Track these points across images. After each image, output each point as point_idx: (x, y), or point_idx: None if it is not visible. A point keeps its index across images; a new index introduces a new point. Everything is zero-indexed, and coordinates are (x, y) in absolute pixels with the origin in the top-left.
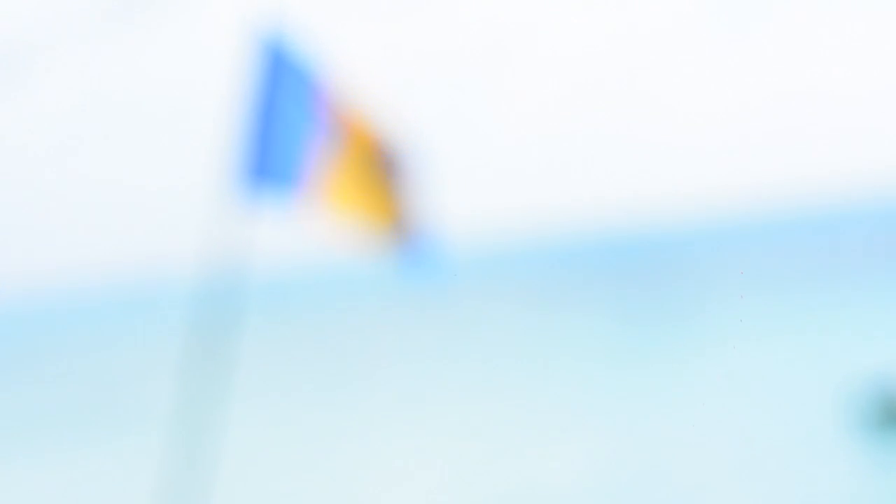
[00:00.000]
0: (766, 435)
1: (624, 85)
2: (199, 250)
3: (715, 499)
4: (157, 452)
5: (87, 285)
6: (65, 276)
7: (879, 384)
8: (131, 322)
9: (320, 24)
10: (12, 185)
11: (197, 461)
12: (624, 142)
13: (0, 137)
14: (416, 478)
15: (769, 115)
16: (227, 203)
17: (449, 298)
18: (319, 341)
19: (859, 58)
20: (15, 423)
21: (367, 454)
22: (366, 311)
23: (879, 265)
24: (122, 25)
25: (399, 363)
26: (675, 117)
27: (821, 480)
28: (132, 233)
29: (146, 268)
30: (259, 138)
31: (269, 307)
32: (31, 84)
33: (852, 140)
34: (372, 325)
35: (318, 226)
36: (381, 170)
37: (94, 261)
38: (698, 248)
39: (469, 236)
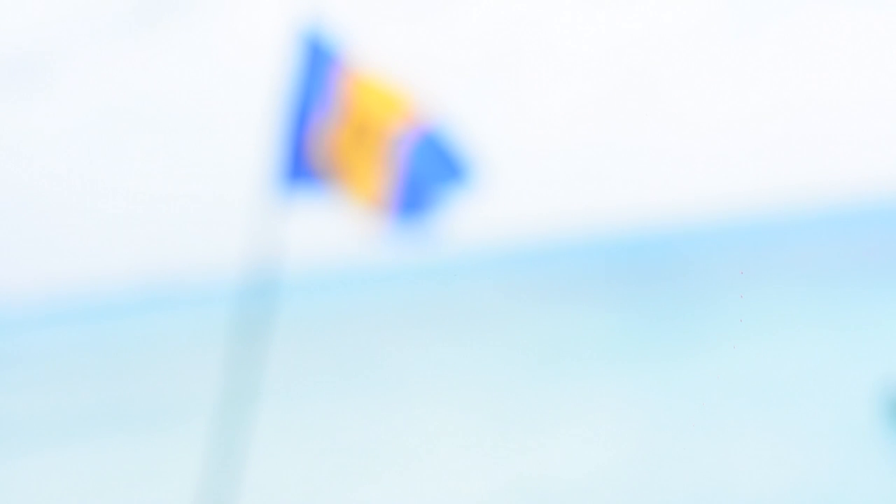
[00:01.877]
0: (784, 428)
1: (637, 87)
2: (234, 250)
3: (732, 488)
4: (194, 445)
5: (119, 287)
6: (98, 278)
7: (891, 382)
8: (163, 322)
9: (342, 27)
10: (37, 186)
11: (230, 451)
12: (636, 145)
13: (30, 138)
14: (432, 469)
15: (782, 118)
16: (262, 203)
17: (465, 294)
18: (341, 335)
19: (869, 63)
20: (54, 420)
21: (386, 444)
22: (384, 304)
23: (891, 264)
24: (146, 28)
25: (415, 356)
26: (687, 121)
27: (841, 472)
28: (164, 233)
29: (182, 268)
30: (294, 137)
31: (296, 302)
32: (62, 86)
33: (862, 143)
34: (390, 319)
35: (341, 216)
36: (377, 143)
37: (123, 262)
38: (711, 247)
39: (482, 235)
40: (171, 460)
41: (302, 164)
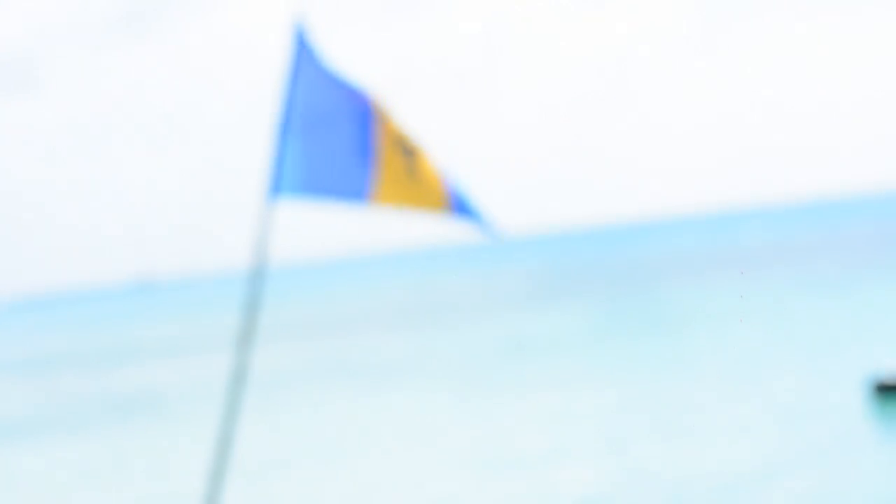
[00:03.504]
0: (770, 409)
1: (607, 97)
2: (226, 247)
3: (719, 459)
4: (187, 430)
5: (108, 284)
6: (88, 276)
7: (873, 366)
8: (151, 316)
9: (325, 32)
10: (26, 187)
11: (227, 434)
12: (605, 149)
13: (17, 142)
14: (422, 446)
15: (747, 124)
16: (254, 202)
17: (448, 287)
18: (330, 326)
19: (832, 71)
20: (55, 410)
21: (372, 423)
22: (369, 296)
23: (869, 257)
24: (133, 35)
25: (396, 344)
26: (655, 128)
27: (825, 446)
28: (155, 232)
29: (170, 266)
30: (285, 137)
31: (285, 295)
32: (49, 91)
33: (829, 144)
34: (375, 309)
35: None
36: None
37: (110, 261)
38: (686, 243)
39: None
40: (167, 445)
41: (292, 164)
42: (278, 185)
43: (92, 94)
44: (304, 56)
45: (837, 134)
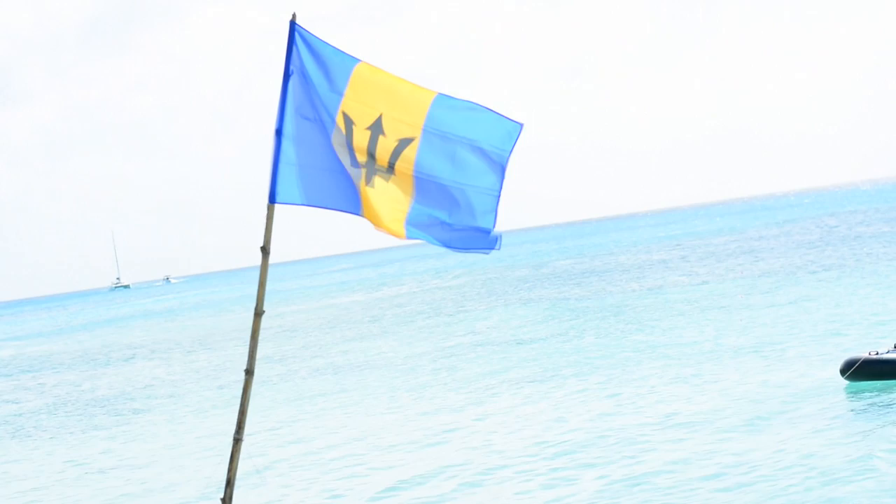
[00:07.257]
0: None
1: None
2: (222, 248)
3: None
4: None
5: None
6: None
7: (837, 352)
8: (146, 317)
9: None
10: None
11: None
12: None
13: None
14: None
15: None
16: (250, 204)
17: (421, 286)
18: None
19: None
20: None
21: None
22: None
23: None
24: (111, 41)
25: (366, 339)
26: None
27: (791, 424)
28: (148, 234)
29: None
30: (280, 139)
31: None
32: (30, 98)
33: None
34: (352, 304)
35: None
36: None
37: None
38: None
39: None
40: (161, 439)
41: (291, 171)
42: (277, 192)
43: (72, 104)
44: (300, 52)
45: (791, 136)
